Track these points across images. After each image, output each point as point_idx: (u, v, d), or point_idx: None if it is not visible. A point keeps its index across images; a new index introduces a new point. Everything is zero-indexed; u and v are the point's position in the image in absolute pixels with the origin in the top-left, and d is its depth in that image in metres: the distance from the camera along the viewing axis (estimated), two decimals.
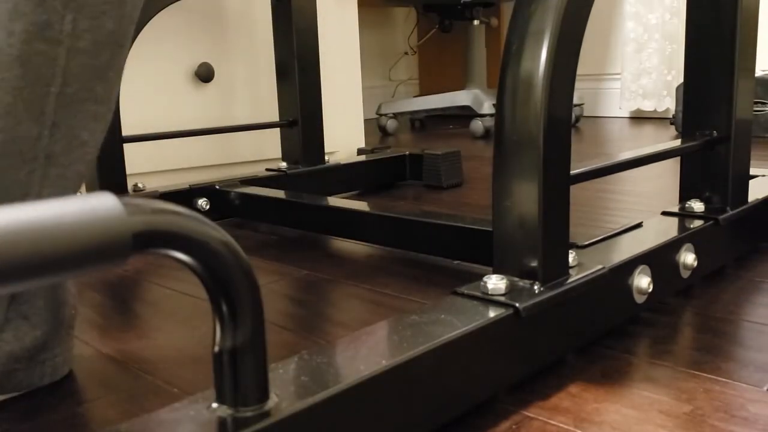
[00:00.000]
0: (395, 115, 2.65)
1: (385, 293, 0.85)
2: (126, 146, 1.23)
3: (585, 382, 0.60)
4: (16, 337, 0.59)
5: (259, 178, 1.32)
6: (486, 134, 2.43)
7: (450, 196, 1.42)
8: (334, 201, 1.12)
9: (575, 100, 2.62)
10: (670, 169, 1.61)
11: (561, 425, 0.53)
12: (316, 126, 1.43)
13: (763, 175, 1.05)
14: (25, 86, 0.53)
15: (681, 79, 2.22)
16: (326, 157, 1.46)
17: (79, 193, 0.54)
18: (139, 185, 1.24)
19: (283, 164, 1.41)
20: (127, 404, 0.59)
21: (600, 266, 0.65)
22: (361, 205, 1.06)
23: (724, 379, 0.60)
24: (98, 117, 0.58)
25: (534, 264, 0.60)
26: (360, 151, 1.65)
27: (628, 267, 0.68)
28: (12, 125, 0.53)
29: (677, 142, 0.85)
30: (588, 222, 1.16)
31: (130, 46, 0.60)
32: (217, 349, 0.40)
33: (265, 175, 1.35)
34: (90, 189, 1.20)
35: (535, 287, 0.59)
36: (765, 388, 0.58)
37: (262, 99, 1.56)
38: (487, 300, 0.58)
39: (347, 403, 0.45)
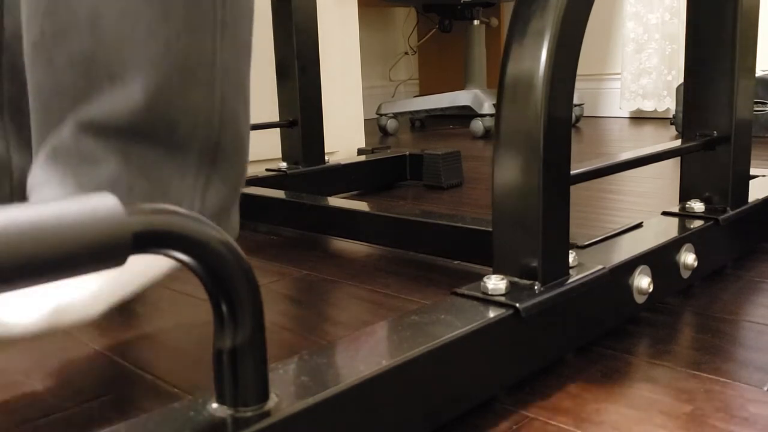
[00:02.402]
0: (395, 115, 2.65)
1: (385, 293, 0.85)
2: None
3: (585, 382, 0.60)
4: (218, 197, 0.65)
5: (259, 178, 1.32)
6: (486, 134, 2.43)
7: (450, 196, 1.42)
8: (334, 201, 1.12)
9: (575, 100, 2.62)
10: (670, 169, 1.61)
11: (561, 425, 0.53)
12: (316, 126, 1.43)
13: (763, 175, 1.05)
14: None
15: (681, 79, 2.22)
16: (326, 157, 1.46)
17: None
18: None
19: (283, 164, 1.41)
20: (127, 404, 0.59)
21: (600, 266, 0.65)
22: (361, 205, 1.06)
23: (724, 379, 0.60)
24: None
25: (534, 264, 0.60)
26: (360, 151, 1.65)
27: (629, 267, 0.68)
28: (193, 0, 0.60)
29: (677, 142, 0.85)
30: (588, 222, 1.16)
31: None
32: (217, 348, 0.40)
33: (265, 175, 1.35)
34: None
35: (535, 287, 0.59)
36: (765, 388, 0.58)
37: (262, 99, 1.56)
38: (487, 300, 0.58)
39: (347, 403, 0.45)
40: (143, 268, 0.61)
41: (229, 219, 0.68)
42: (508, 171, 0.60)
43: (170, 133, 0.60)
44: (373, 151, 1.60)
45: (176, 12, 0.59)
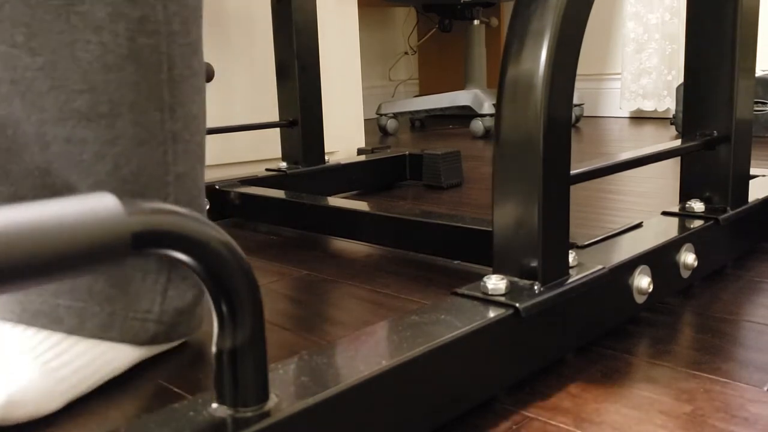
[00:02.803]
0: (395, 115, 2.65)
1: (385, 293, 0.85)
2: None
3: (585, 382, 0.60)
4: (179, 295, 0.66)
5: (259, 178, 1.32)
6: (486, 134, 2.43)
7: (450, 196, 1.42)
8: (334, 201, 1.12)
9: (575, 100, 2.62)
10: (670, 169, 1.61)
11: (561, 425, 0.53)
12: (316, 126, 1.43)
13: (763, 175, 1.05)
14: (141, 80, 0.59)
15: (681, 79, 2.22)
16: (326, 157, 1.46)
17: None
18: None
19: (283, 164, 1.41)
20: (127, 404, 0.59)
21: (600, 266, 0.65)
22: (361, 205, 1.06)
23: (724, 379, 0.60)
24: (199, 89, 0.65)
25: (534, 264, 0.60)
26: (360, 151, 1.65)
27: (629, 267, 0.68)
28: (140, 116, 0.59)
29: (677, 142, 0.85)
30: (588, 222, 1.16)
31: None
32: (217, 349, 0.40)
33: (265, 175, 1.35)
34: None
35: (535, 287, 0.59)
36: (765, 388, 0.58)
37: (262, 99, 1.56)
38: (487, 300, 0.58)
39: (347, 403, 0.45)
40: (101, 363, 0.61)
41: (193, 317, 0.68)
42: (508, 171, 0.60)
43: None
44: (373, 151, 1.60)
45: (124, 133, 0.59)
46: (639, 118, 2.87)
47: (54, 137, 0.57)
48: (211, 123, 1.49)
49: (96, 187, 0.59)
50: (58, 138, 0.57)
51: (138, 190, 0.61)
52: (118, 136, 0.59)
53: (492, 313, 0.55)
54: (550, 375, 0.62)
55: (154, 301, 0.64)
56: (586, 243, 0.72)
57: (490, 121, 2.42)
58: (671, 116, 2.44)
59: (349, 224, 1.05)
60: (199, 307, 0.69)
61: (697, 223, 0.80)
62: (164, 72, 0.60)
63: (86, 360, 0.60)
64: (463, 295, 0.59)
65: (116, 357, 0.62)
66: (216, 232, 0.37)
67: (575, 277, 0.62)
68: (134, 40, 0.58)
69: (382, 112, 2.65)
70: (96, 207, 0.31)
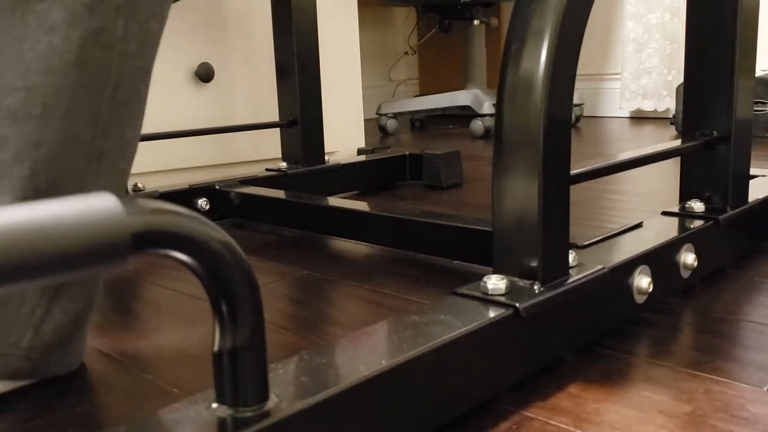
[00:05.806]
0: (395, 115, 2.65)
1: (385, 293, 0.85)
2: None
3: (585, 382, 0.60)
4: (55, 330, 0.61)
5: (259, 178, 1.32)
6: (486, 134, 2.43)
7: (450, 196, 1.42)
8: (334, 201, 1.12)
9: (575, 100, 2.62)
10: (670, 169, 1.61)
11: (561, 425, 0.53)
12: (316, 126, 1.43)
13: (763, 175, 1.05)
14: (81, 90, 0.56)
15: (681, 79, 2.22)
16: (326, 157, 1.46)
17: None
18: (139, 185, 1.24)
19: (283, 164, 1.41)
20: (127, 404, 0.59)
21: (600, 266, 0.65)
22: (361, 205, 1.06)
23: (724, 379, 0.60)
24: (139, 114, 0.62)
25: (534, 264, 0.60)
26: (360, 151, 1.65)
27: (628, 267, 0.68)
28: (70, 127, 0.56)
29: (677, 142, 0.85)
30: (588, 222, 1.16)
31: None
32: (217, 349, 0.40)
33: (265, 175, 1.35)
34: None
35: (535, 287, 0.59)
36: (765, 388, 0.58)
37: (262, 99, 1.56)
38: (487, 300, 0.58)
39: (347, 403, 0.45)
40: None
41: (67, 354, 0.63)
42: (508, 171, 0.60)
43: None
44: (373, 151, 1.60)
45: (49, 139, 0.56)
46: (639, 118, 2.87)
47: None
48: (211, 123, 1.49)
49: (8, 193, 0.56)
50: None
51: None
52: (42, 141, 0.56)
53: (492, 313, 0.55)
54: (550, 375, 0.62)
55: (25, 334, 0.59)
56: (586, 243, 0.72)
57: (490, 121, 2.42)
58: (671, 116, 2.44)
59: (349, 224, 1.05)
60: (76, 343, 0.64)
61: (697, 223, 0.80)
62: (108, 88, 0.58)
63: None
64: (463, 295, 0.59)
65: None
66: (216, 232, 0.37)
67: (575, 277, 0.62)
68: (85, 48, 0.55)
69: (382, 112, 2.65)
70: (96, 207, 0.31)
